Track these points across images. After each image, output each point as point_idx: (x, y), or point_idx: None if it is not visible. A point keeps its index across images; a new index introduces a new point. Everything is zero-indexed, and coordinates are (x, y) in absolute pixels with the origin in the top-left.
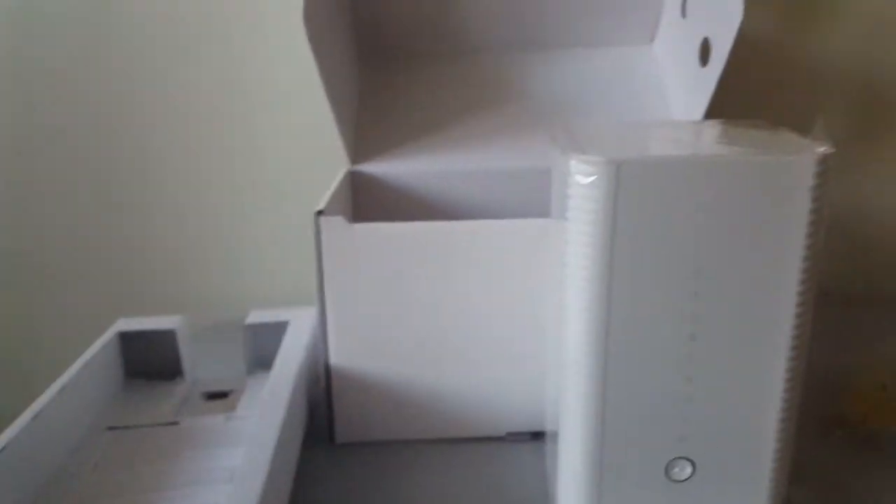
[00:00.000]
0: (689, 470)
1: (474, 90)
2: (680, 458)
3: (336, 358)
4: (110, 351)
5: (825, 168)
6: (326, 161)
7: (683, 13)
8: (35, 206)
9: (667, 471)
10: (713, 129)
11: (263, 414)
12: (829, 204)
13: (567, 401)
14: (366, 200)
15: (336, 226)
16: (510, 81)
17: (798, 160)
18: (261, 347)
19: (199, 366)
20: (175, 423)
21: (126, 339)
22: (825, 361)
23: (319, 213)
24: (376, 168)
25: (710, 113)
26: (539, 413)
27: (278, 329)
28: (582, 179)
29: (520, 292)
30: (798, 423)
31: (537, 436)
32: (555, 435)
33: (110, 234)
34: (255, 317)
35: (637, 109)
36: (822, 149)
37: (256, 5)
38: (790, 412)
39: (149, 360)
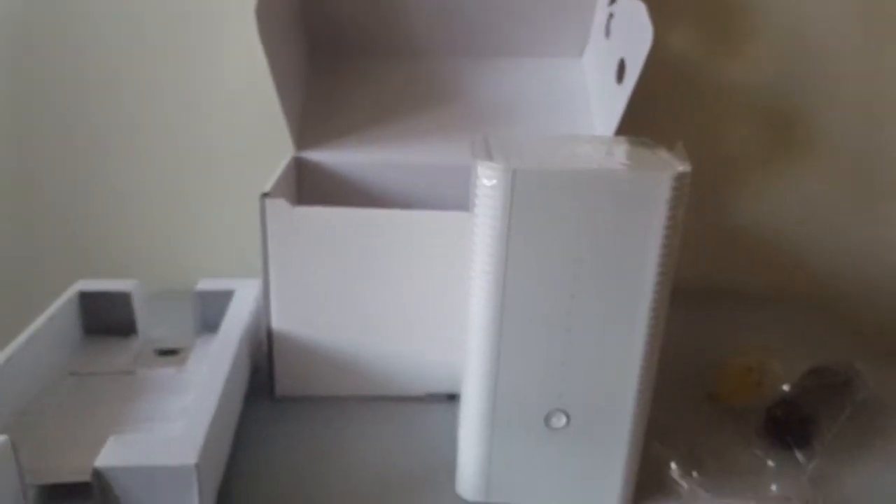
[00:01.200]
0: (564, 420)
1: (415, 89)
2: (557, 409)
3: (277, 322)
4: (71, 307)
5: (681, 183)
6: (275, 146)
7: (607, 33)
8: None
9: (546, 420)
10: (606, 144)
11: (211, 365)
12: (684, 211)
13: (468, 362)
14: (308, 184)
15: (279, 207)
16: (449, 84)
17: (658, 176)
18: (208, 312)
19: (152, 326)
20: (131, 373)
21: (85, 298)
22: (704, 346)
23: (265, 195)
24: (319, 155)
25: (624, 124)
26: (455, 377)
27: (225, 297)
28: (486, 182)
29: (440, 272)
30: (675, 396)
31: (452, 398)
32: None
33: (78, 205)
34: (205, 284)
35: (563, 116)
36: (680, 168)
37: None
38: (647, 377)
39: (106, 318)
